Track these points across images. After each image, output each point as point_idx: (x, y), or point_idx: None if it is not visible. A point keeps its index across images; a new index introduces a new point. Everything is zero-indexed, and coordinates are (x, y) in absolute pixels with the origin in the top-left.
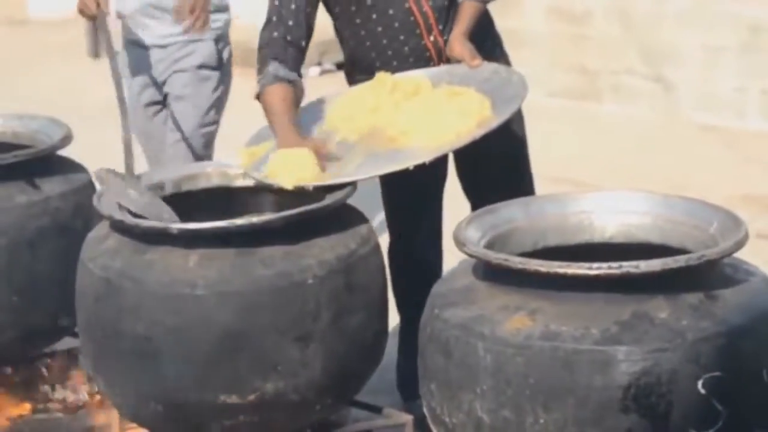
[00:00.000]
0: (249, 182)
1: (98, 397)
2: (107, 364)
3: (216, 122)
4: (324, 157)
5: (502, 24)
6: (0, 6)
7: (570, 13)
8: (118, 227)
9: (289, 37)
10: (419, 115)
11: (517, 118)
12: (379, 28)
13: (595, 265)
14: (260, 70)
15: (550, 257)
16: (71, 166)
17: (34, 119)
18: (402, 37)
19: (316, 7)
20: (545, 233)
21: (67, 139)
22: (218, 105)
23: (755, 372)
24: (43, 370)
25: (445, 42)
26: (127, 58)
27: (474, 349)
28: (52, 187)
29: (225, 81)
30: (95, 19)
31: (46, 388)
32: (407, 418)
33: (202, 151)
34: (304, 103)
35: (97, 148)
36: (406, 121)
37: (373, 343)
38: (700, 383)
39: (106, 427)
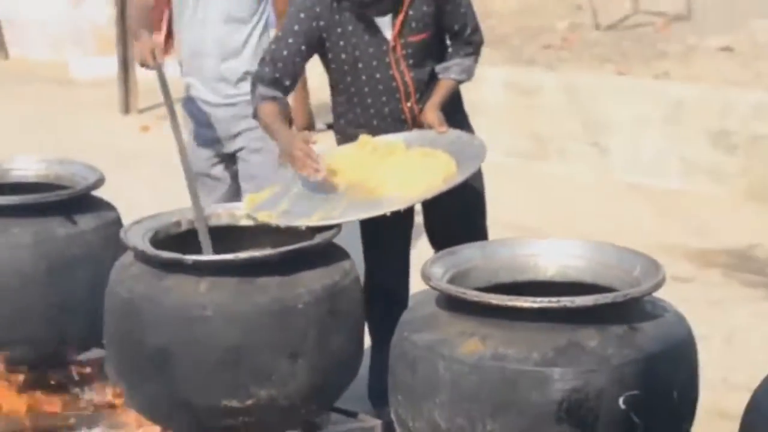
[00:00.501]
0: (251, 222)
1: (120, 399)
2: (128, 371)
3: None
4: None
5: (467, 96)
6: (47, 68)
7: (524, 87)
8: (141, 257)
9: (276, 75)
10: (395, 171)
11: (477, 175)
12: (366, 89)
13: (538, 299)
14: (252, 95)
15: (501, 292)
16: (103, 205)
17: (72, 164)
18: (384, 99)
19: (306, 59)
20: (497, 271)
21: (99, 182)
22: None
23: (667, 392)
24: (75, 375)
25: (420, 109)
26: (191, 115)
27: (435, 367)
28: (86, 222)
29: None
30: (156, 69)
31: (77, 390)
32: (377, 422)
33: None
34: None
35: (124, 189)
36: (384, 176)
37: (351, 359)
38: (621, 400)
39: (126, 424)
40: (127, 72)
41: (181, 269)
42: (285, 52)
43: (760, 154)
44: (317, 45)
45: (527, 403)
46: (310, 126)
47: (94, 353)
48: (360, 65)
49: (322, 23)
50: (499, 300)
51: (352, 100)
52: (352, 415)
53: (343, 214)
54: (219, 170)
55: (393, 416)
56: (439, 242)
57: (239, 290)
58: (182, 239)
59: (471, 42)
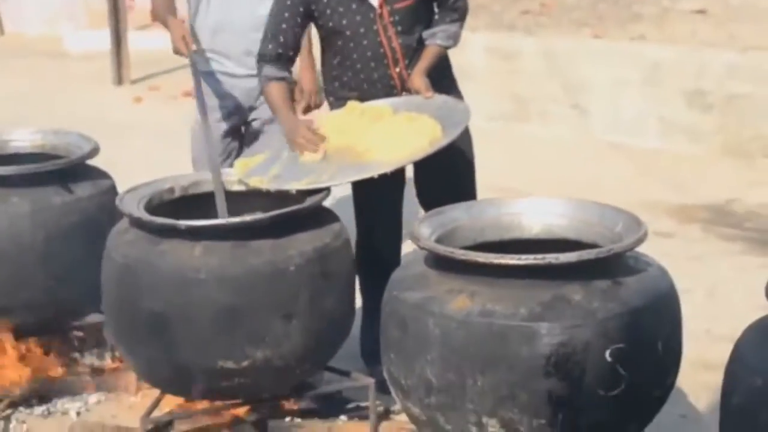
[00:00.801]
0: (242, 187)
1: (119, 362)
2: (127, 335)
3: None
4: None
5: (451, 61)
6: (41, 42)
7: (504, 52)
8: (136, 223)
9: (280, 50)
10: (382, 135)
11: (466, 140)
12: (354, 55)
13: (524, 256)
14: (258, 73)
15: (487, 250)
16: (98, 173)
17: (68, 134)
18: (372, 65)
19: (304, 28)
20: (483, 231)
21: (94, 151)
22: None
23: (652, 343)
24: (74, 340)
25: (409, 75)
26: (212, 87)
27: (425, 324)
28: (82, 190)
29: None
30: (189, 56)
31: (77, 354)
32: (370, 380)
33: None
34: None
35: (118, 159)
36: (372, 140)
37: (343, 319)
38: (607, 353)
39: (126, 386)
40: (119, 44)
41: (176, 234)
42: (284, 26)
43: (734, 112)
44: (309, 15)
45: (516, 358)
46: (316, 89)
47: (93, 318)
48: (348, 33)
49: (315, 2)
50: (486, 258)
51: (343, 64)
52: (346, 374)
53: (332, 178)
54: (227, 143)
55: (385, 374)
56: (429, 204)
57: (233, 254)
58: (176, 205)
59: (456, 8)
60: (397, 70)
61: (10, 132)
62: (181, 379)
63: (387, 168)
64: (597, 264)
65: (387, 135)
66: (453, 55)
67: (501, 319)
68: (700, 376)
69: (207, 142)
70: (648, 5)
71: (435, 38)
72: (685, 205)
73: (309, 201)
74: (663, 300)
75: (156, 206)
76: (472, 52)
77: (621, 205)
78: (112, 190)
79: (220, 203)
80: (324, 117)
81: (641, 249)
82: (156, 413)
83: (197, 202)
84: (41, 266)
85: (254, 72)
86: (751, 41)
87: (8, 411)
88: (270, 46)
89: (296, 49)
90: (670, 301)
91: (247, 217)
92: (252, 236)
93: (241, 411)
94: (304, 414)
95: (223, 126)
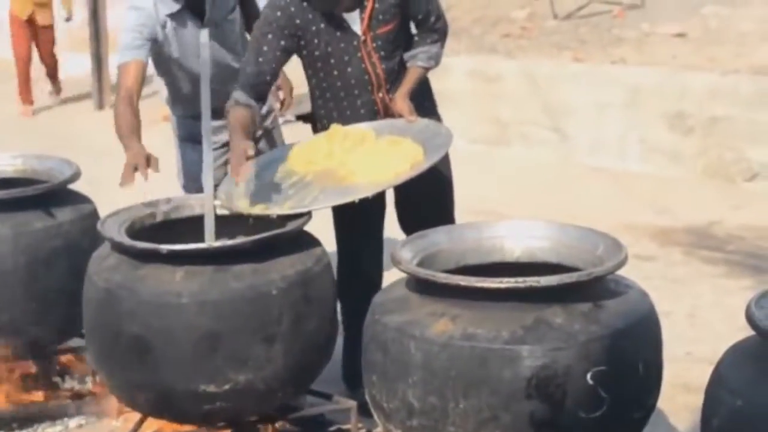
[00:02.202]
0: (225, 211)
1: (100, 386)
2: (108, 359)
3: None
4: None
5: (433, 85)
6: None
7: (485, 75)
8: (118, 248)
9: (258, 73)
10: (365, 159)
11: (445, 163)
12: (339, 83)
13: (505, 279)
14: (230, 97)
15: (468, 273)
16: (79, 198)
17: (49, 159)
18: (356, 92)
19: (286, 53)
20: (465, 254)
21: (76, 176)
22: None
23: (633, 366)
24: (56, 364)
25: (391, 99)
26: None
27: (407, 348)
28: (63, 214)
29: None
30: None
31: (58, 379)
32: (353, 403)
33: None
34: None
35: (100, 183)
36: (354, 164)
37: (325, 343)
38: (589, 376)
39: (107, 411)
40: (100, 68)
41: (157, 259)
42: (265, 48)
43: (715, 135)
44: (295, 43)
45: (497, 381)
46: (291, 89)
47: (74, 342)
48: (332, 61)
49: (297, 21)
50: (467, 281)
51: (326, 94)
52: (328, 397)
53: (314, 202)
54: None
55: (367, 397)
56: (410, 228)
57: (214, 278)
58: (157, 230)
59: (436, 30)
60: (380, 95)
61: None
62: (162, 403)
63: (368, 192)
64: (578, 287)
65: (369, 159)
66: (434, 78)
67: (483, 342)
68: (681, 398)
69: (205, 169)
70: (628, 29)
71: (416, 60)
72: (667, 228)
73: (290, 225)
74: (644, 322)
75: (137, 231)
76: (453, 75)
77: (603, 228)
78: (94, 215)
79: (209, 226)
80: (308, 140)
81: (623, 272)
82: None
83: (179, 227)
84: (23, 290)
85: None
86: (730, 64)
87: None
88: (249, 69)
89: (275, 73)
90: (651, 323)
91: (229, 242)
92: (233, 260)
93: None
94: None
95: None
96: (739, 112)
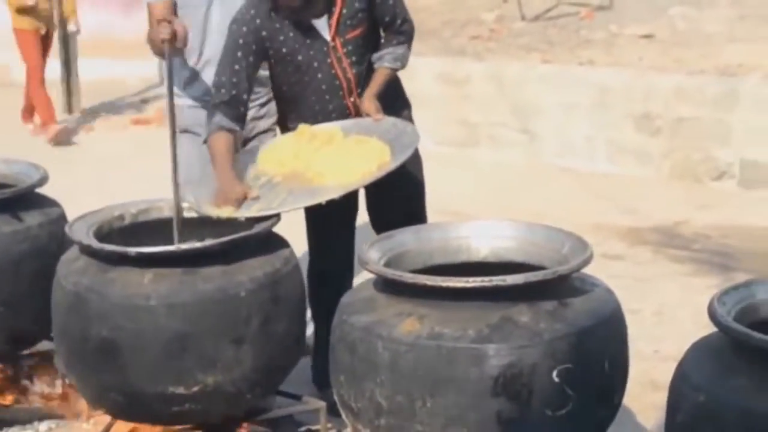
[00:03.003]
0: (193, 214)
1: (69, 389)
2: (77, 362)
3: None
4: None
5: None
6: None
7: (454, 77)
8: (86, 251)
9: (234, 92)
10: (332, 160)
11: (416, 164)
12: (310, 89)
13: (471, 279)
14: (208, 121)
15: (435, 273)
16: (47, 202)
17: (16, 163)
18: (327, 97)
19: (256, 68)
20: (432, 254)
21: (44, 180)
22: None
23: (599, 363)
24: (25, 367)
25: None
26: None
27: (374, 347)
28: (31, 218)
29: None
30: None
31: (27, 382)
32: (322, 404)
33: None
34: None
35: (68, 187)
36: (322, 165)
37: (293, 343)
38: (554, 373)
39: (77, 413)
40: (69, 73)
41: (126, 261)
42: (236, 66)
43: (682, 135)
44: (263, 54)
45: (464, 380)
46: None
47: (43, 346)
48: (303, 68)
49: (264, 33)
50: (434, 281)
51: (296, 101)
52: (297, 398)
53: (282, 204)
54: None
55: (336, 397)
56: (380, 227)
57: (183, 280)
58: (126, 233)
59: (402, 32)
60: (352, 99)
61: None
62: (132, 405)
63: (335, 194)
64: (543, 286)
65: (336, 159)
66: (403, 79)
67: (449, 342)
68: (647, 395)
69: (173, 165)
70: (596, 30)
71: (383, 61)
72: (635, 227)
73: (258, 227)
74: (609, 320)
75: (106, 234)
76: (421, 77)
77: (571, 229)
78: (62, 218)
79: (177, 228)
80: (275, 141)
81: (591, 271)
82: None
83: (147, 230)
84: None
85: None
86: (697, 65)
87: None
88: (223, 90)
89: (249, 90)
90: (617, 321)
91: (198, 244)
92: (202, 263)
93: None
94: None
95: None
96: (705, 112)
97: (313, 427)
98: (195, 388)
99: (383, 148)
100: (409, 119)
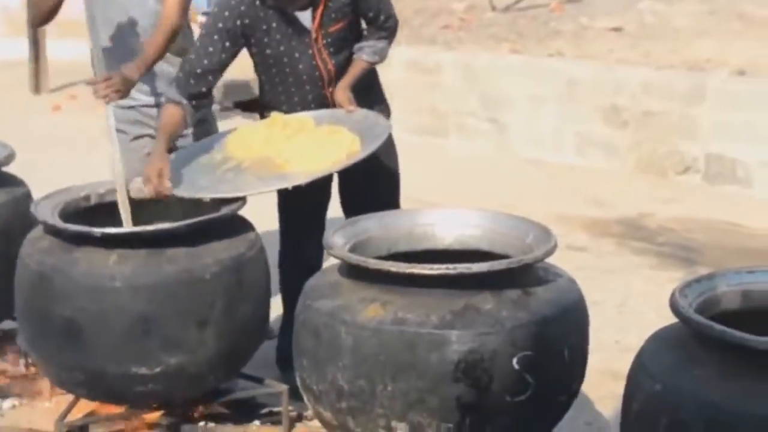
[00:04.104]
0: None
1: (32, 368)
2: (40, 342)
3: None
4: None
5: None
6: None
7: (424, 66)
8: (51, 231)
9: (198, 70)
10: (302, 147)
11: (391, 155)
12: (290, 79)
13: (435, 266)
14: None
15: (399, 260)
16: (13, 180)
17: None
18: (308, 87)
19: (233, 55)
20: (396, 241)
21: (10, 158)
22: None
23: (559, 352)
24: None
25: None
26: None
27: (338, 333)
28: None
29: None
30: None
31: None
32: (284, 387)
33: None
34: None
35: (35, 166)
36: (291, 152)
37: (257, 326)
38: (515, 360)
39: (40, 392)
40: (37, 53)
41: (91, 242)
42: (210, 48)
43: (648, 129)
44: (242, 41)
45: (426, 365)
46: None
47: (6, 325)
48: (285, 59)
49: (246, 21)
50: (398, 267)
51: (277, 89)
52: (259, 381)
53: (249, 188)
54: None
55: (298, 380)
56: (351, 215)
57: (148, 261)
58: (91, 213)
59: (386, 28)
60: (331, 89)
61: None
62: (94, 384)
63: (302, 180)
64: (507, 274)
65: (306, 147)
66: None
67: (412, 327)
68: (607, 385)
69: (112, 156)
70: (566, 22)
71: (361, 53)
72: (600, 219)
73: (224, 210)
74: (571, 310)
75: (71, 214)
76: (392, 66)
77: (537, 219)
78: (27, 197)
79: (125, 214)
80: (246, 127)
81: (555, 261)
82: (70, 417)
83: (113, 210)
84: None
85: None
86: (665, 59)
87: None
88: (187, 66)
89: (218, 73)
90: (578, 311)
91: (163, 225)
92: (167, 244)
93: (155, 416)
94: (218, 419)
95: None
96: (672, 106)
97: (275, 410)
98: (158, 369)
99: (354, 138)
100: (387, 108)
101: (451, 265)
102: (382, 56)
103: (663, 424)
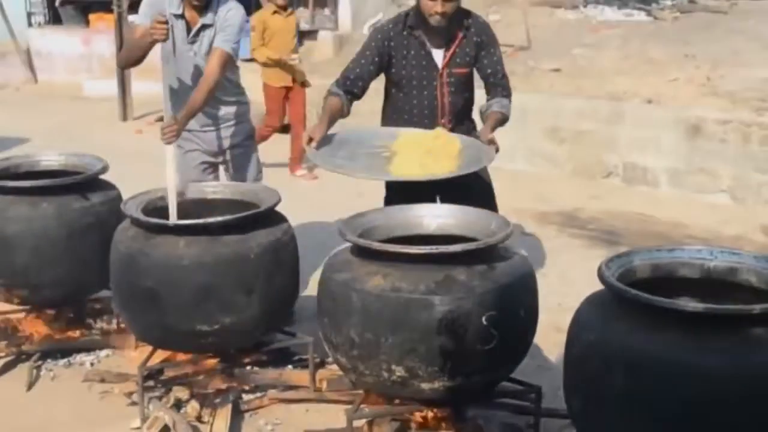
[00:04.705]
0: (217, 196)
1: (122, 326)
2: (128, 306)
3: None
4: None
5: (369, 106)
6: (65, 88)
7: None
8: (136, 222)
9: (351, 76)
10: (430, 155)
11: (485, 174)
12: (414, 101)
13: (423, 247)
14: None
15: (397, 243)
16: (108, 185)
17: (85, 156)
18: (425, 112)
19: (379, 69)
20: (394, 228)
21: (105, 168)
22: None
23: (516, 311)
24: (89, 310)
25: (450, 129)
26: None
27: (350, 297)
28: (96, 198)
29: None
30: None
31: (91, 321)
32: (310, 339)
33: None
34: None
35: (123, 175)
36: (419, 156)
37: (290, 294)
38: (484, 318)
39: (127, 344)
40: (124, 90)
41: (166, 231)
42: (362, 61)
43: (581, 144)
44: (386, 61)
45: (416, 322)
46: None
47: (104, 293)
48: (414, 82)
49: (392, 43)
50: (396, 248)
51: (400, 110)
52: (292, 334)
53: (358, 172)
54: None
55: (321, 334)
56: None
57: (208, 245)
58: (166, 209)
59: (503, 85)
60: (443, 121)
61: (42, 154)
62: (168, 338)
63: (390, 178)
64: (477, 253)
65: (431, 156)
66: (373, 100)
67: (406, 293)
68: (552, 337)
69: (168, 175)
70: (518, 65)
71: (492, 107)
72: (545, 212)
73: (264, 206)
74: (524, 279)
75: (151, 210)
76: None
77: (499, 212)
78: (119, 198)
79: (172, 210)
80: (411, 131)
81: (511, 243)
82: (149, 363)
83: (182, 207)
84: (65, 254)
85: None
86: (593, 92)
87: (39, 362)
88: (345, 72)
89: (364, 82)
90: (530, 280)
91: (219, 218)
92: (222, 232)
93: (214, 361)
94: (261, 364)
95: (200, 159)
96: (598, 127)
97: (304, 357)
98: (216, 326)
99: (457, 162)
100: (474, 132)
101: (434, 247)
102: (509, 112)
103: (595, 364)
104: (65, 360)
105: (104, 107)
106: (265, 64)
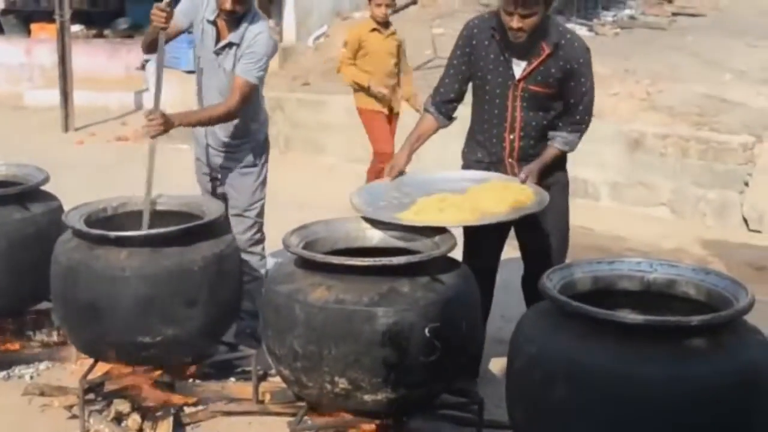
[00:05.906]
0: (162, 207)
1: (63, 339)
2: (69, 319)
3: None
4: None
5: (314, 118)
6: (5, 98)
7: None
8: (78, 234)
9: (442, 89)
10: (478, 201)
11: (563, 215)
12: (486, 106)
13: (367, 259)
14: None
15: (339, 254)
16: (49, 197)
17: (26, 167)
18: (495, 122)
19: (466, 79)
20: (337, 241)
21: (46, 180)
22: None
23: (458, 323)
24: (29, 322)
25: (520, 146)
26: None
27: (293, 309)
28: (36, 209)
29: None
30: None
31: (31, 333)
32: (253, 351)
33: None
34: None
35: (64, 187)
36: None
37: (232, 306)
38: (426, 330)
39: (68, 357)
40: (66, 100)
41: (107, 242)
42: (451, 71)
43: None
44: (471, 62)
45: (360, 334)
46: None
47: (44, 305)
48: (487, 87)
49: (474, 42)
50: (339, 260)
51: (479, 118)
52: (235, 347)
53: (397, 219)
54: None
55: (264, 346)
56: (530, 257)
57: (150, 257)
58: (108, 221)
59: (580, 122)
60: (511, 136)
61: None
62: (109, 350)
63: (451, 225)
64: (420, 265)
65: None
66: (318, 113)
67: (350, 305)
68: (494, 348)
69: (148, 174)
70: None
71: (554, 141)
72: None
73: (207, 218)
74: (467, 292)
75: (93, 221)
76: (334, 110)
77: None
78: (60, 209)
79: (146, 217)
80: (493, 182)
81: (454, 255)
82: (91, 376)
83: (124, 219)
84: (5, 266)
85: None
86: None
87: None
88: (435, 90)
89: (456, 94)
90: (473, 292)
91: (161, 230)
92: (165, 244)
93: (156, 374)
94: (204, 377)
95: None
96: None
97: (246, 369)
98: (158, 338)
99: (515, 207)
100: (560, 181)
101: (377, 259)
102: (572, 147)
103: (537, 375)
104: (4, 372)
105: (45, 117)
106: (353, 86)
